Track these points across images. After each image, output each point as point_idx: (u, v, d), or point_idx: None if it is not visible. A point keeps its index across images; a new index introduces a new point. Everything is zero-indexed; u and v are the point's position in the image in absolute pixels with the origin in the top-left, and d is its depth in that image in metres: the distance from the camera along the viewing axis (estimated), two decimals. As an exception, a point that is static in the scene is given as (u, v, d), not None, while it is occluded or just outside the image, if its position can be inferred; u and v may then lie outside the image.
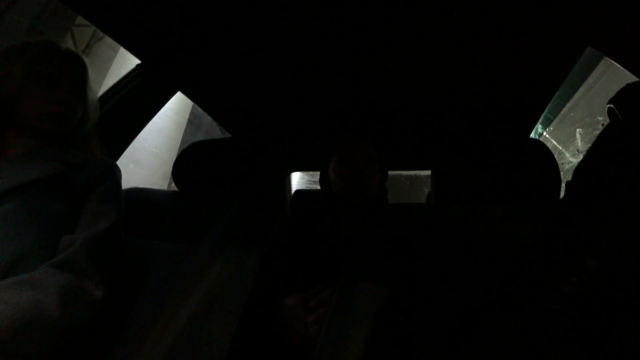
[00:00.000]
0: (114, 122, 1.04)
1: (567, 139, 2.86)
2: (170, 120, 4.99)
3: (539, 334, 0.37)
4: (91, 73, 0.80)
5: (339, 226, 1.12)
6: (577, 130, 2.71)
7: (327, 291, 0.78)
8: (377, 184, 1.11)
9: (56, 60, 0.73)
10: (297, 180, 2.25)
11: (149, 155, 4.50)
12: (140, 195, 0.94)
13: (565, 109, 2.84)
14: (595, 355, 0.35)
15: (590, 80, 2.54)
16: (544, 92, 1.07)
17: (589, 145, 0.46)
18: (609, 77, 2.34)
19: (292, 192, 1.82)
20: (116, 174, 0.77)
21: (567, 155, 2.82)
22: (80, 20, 3.88)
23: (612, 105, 0.43)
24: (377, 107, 1.23)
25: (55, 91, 0.71)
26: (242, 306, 0.63)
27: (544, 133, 2.93)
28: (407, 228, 0.65)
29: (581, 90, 2.66)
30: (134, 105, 1.11)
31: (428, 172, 1.07)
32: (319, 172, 1.26)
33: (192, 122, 5.68)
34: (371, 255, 0.62)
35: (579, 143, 2.69)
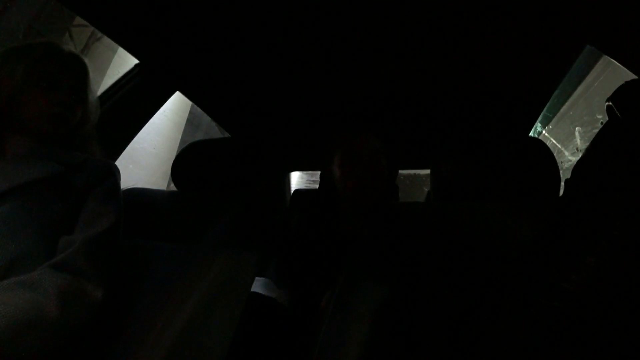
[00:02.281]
0: (112, 123, 1.03)
1: (566, 138, 2.87)
2: (169, 120, 4.99)
3: (539, 331, 0.37)
4: (90, 74, 0.80)
5: (343, 227, 1.09)
6: (577, 128, 2.71)
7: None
8: (385, 181, 1.04)
9: (57, 62, 0.73)
10: (297, 179, 2.25)
11: (148, 155, 4.50)
12: (139, 195, 0.94)
13: (564, 108, 2.85)
14: (596, 353, 0.35)
15: (589, 78, 2.54)
16: (543, 90, 1.07)
17: (588, 143, 0.46)
18: (608, 75, 2.34)
19: (292, 191, 1.82)
20: (115, 174, 0.77)
21: (567, 153, 2.82)
22: (78, 20, 3.87)
23: (610, 103, 0.43)
24: (375, 107, 1.23)
25: (55, 92, 0.72)
26: (242, 306, 0.63)
27: (543, 132, 2.93)
28: (407, 227, 0.65)
29: (580, 88, 2.66)
30: (133, 106, 1.11)
31: (428, 171, 1.07)
32: (318, 172, 1.25)
33: (191, 122, 5.68)
34: (371, 255, 0.62)
35: (578, 141, 2.69)
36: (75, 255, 0.59)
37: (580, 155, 0.46)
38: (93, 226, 0.66)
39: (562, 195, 0.47)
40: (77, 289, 0.57)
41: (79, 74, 0.77)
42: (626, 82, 0.45)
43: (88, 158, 0.75)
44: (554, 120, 2.90)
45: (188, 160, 0.98)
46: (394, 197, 1.14)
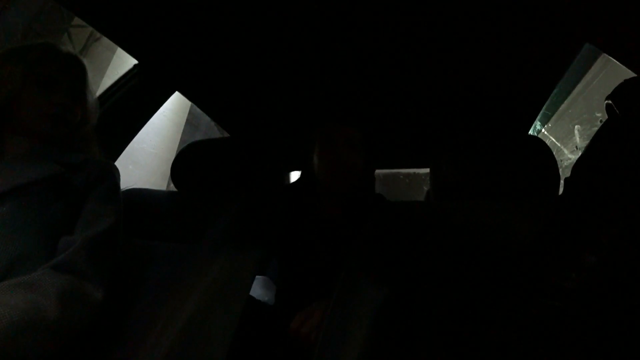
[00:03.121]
0: (111, 123, 1.03)
1: (565, 136, 2.86)
2: (169, 120, 4.99)
3: (538, 330, 0.37)
4: (89, 74, 0.80)
5: (321, 213, 1.11)
6: (576, 127, 2.71)
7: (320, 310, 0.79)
8: (359, 170, 1.08)
9: (56, 63, 0.73)
10: (296, 179, 2.25)
11: (148, 155, 4.49)
12: (139, 195, 0.94)
13: (563, 106, 2.84)
14: (597, 353, 0.35)
15: (588, 76, 2.54)
16: (542, 88, 1.07)
17: (588, 141, 0.45)
18: (607, 73, 2.34)
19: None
20: (115, 175, 0.77)
21: (566, 152, 2.82)
22: (77, 21, 3.86)
23: (610, 102, 0.43)
24: (375, 106, 1.23)
25: (54, 93, 0.72)
26: (242, 306, 0.63)
27: (543, 130, 2.93)
28: (406, 226, 0.65)
29: (579, 86, 2.65)
30: (132, 106, 1.11)
31: (427, 170, 1.07)
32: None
33: (190, 122, 5.68)
34: (370, 254, 0.62)
35: (578, 140, 2.69)
36: (75, 255, 0.59)
37: (579, 153, 0.46)
38: (93, 227, 0.66)
39: (562, 193, 0.47)
40: (77, 289, 0.57)
41: (78, 75, 0.77)
42: (625, 80, 0.45)
43: (87, 158, 0.75)
44: (553, 118, 2.90)
45: (187, 160, 0.98)
46: (371, 187, 1.18)
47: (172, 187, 1.02)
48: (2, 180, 0.62)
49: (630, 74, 0.65)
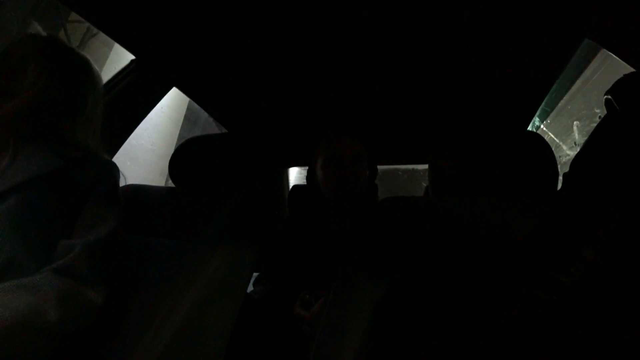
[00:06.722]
0: (109, 119, 1.03)
1: (564, 132, 2.86)
2: (167, 116, 4.98)
3: (536, 325, 0.37)
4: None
5: (327, 224, 1.12)
6: (575, 123, 2.71)
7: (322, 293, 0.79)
8: (365, 182, 1.11)
9: None
10: (295, 175, 2.25)
11: (146, 152, 4.48)
12: (137, 192, 0.93)
13: (562, 102, 2.84)
14: (593, 347, 0.35)
15: (587, 72, 2.53)
16: (541, 84, 1.07)
17: (587, 137, 0.45)
18: (606, 69, 2.34)
19: (290, 187, 1.82)
20: (115, 174, 0.76)
21: (565, 148, 2.82)
22: (74, 16, 3.83)
23: (609, 97, 0.43)
24: (374, 101, 1.23)
25: None
26: (240, 302, 0.63)
27: (542, 126, 2.94)
28: (404, 222, 0.65)
29: (578, 82, 2.65)
30: (129, 102, 1.10)
31: (426, 166, 1.07)
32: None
33: (188, 118, 5.66)
34: (368, 250, 0.62)
35: (577, 136, 2.69)
36: (76, 260, 0.59)
37: (578, 149, 0.46)
38: (94, 230, 0.65)
39: (560, 189, 0.47)
40: (77, 293, 0.57)
41: None
42: (625, 75, 0.45)
43: (88, 155, 0.74)
44: (552, 114, 2.90)
45: (185, 156, 0.97)
46: (373, 196, 1.21)
47: (171, 184, 1.02)
48: (3, 177, 0.61)
49: (629, 69, 0.65)
